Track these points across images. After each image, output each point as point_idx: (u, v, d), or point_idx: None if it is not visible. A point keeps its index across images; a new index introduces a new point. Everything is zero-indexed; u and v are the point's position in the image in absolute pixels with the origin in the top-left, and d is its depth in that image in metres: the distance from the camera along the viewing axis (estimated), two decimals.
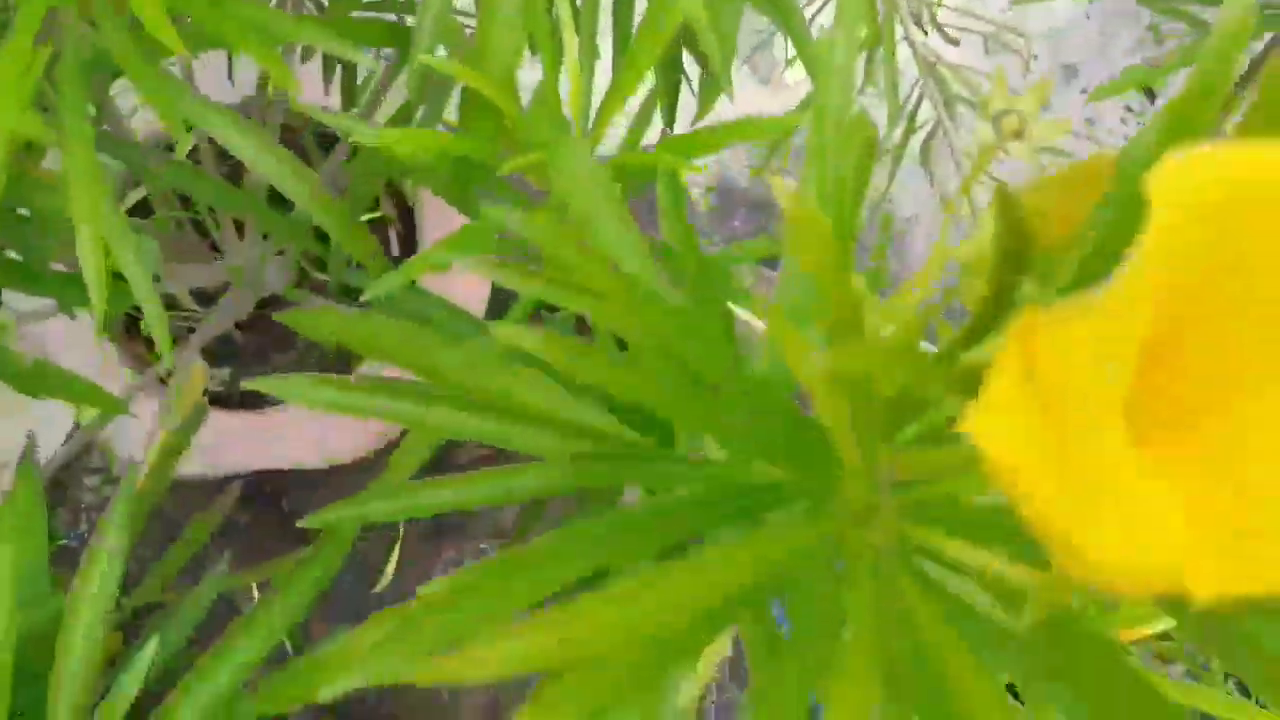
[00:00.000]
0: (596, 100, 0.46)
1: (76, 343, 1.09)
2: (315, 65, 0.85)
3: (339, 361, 1.20)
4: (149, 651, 0.43)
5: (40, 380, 0.66)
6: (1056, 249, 0.18)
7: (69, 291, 0.54)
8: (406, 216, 1.22)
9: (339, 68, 0.82)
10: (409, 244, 1.17)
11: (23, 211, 0.55)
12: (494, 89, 0.40)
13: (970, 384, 0.19)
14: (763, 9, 0.53)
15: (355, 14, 0.52)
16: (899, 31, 1.09)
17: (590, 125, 0.44)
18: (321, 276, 1.19)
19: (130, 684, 0.44)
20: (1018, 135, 0.20)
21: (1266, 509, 0.15)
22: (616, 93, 0.43)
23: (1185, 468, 0.16)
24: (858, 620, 0.19)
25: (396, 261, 1.18)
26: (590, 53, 0.43)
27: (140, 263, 0.41)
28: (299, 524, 0.40)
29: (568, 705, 0.18)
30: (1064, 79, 1.72)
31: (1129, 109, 1.69)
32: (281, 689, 0.36)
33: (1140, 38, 1.72)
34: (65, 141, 0.35)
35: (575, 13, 0.44)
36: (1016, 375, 0.16)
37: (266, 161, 0.42)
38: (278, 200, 0.73)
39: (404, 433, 1.17)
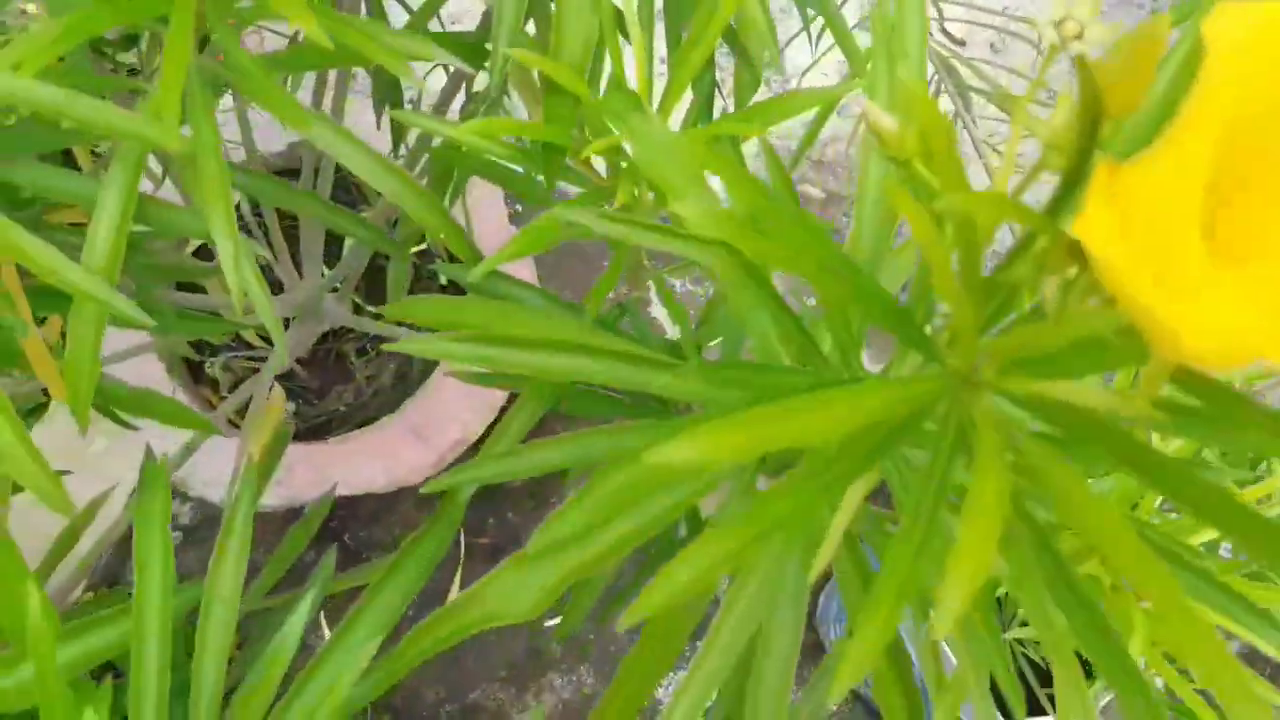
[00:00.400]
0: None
1: (141, 383, 1.14)
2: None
3: (395, 391, 1.24)
4: (297, 626, 0.47)
5: (142, 404, 0.70)
6: (1129, 110, 0.21)
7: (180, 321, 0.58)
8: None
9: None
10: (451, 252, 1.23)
11: None
12: (570, 77, 0.44)
13: (1064, 243, 0.22)
14: (810, 5, 0.57)
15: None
16: None
17: (656, 111, 0.47)
18: (375, 309, 1.24)
19: (273, 669, 0.47)
20: (1079, 37, 0.23)
21: None
22: (678, 78, 0.47)
23: (1255, 265, 0.19)
24: (983, 455, 0.22)
25: (458, 291, 1.22)
26: (650, 44, 0.47)
27: (261, 281, 0.45)
28: (423, 490, 0.44)
29: (786, 497, 0.21)
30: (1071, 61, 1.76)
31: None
32: (424, 634, 0.40)
33: (1139, 20, 1.75)
34: (201, 160, 0.39)
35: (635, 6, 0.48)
36: (1107, 205, 0.19)
37: (362, 164, 0.46)
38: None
39: (461, 455, 1.21)
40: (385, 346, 0.42)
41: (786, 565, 0.31)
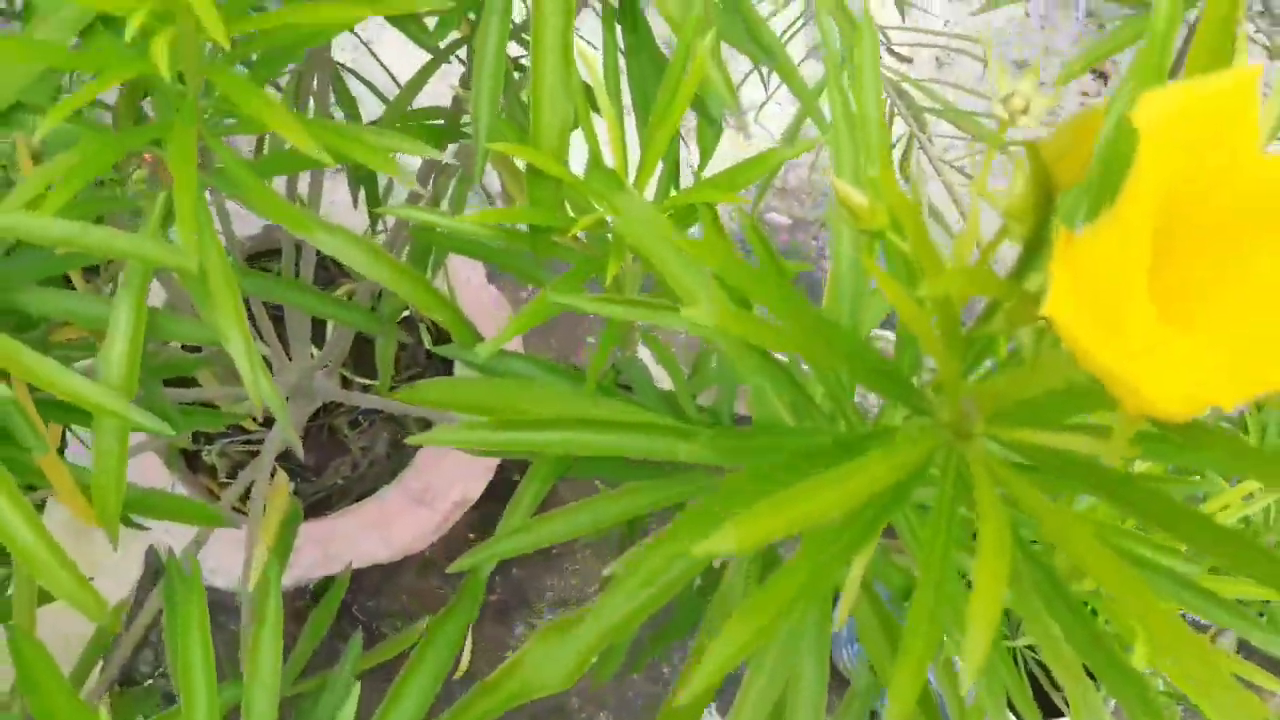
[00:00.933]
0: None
1: (143, 480, 1.14)
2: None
3: (391, 460, 1.26)
4: (349, 715, 0.48)
5: (152, 505, 0.71)
6: (1072, 183, 0.24)
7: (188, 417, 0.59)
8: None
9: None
10: (439, 331, 1.25)
11: None
12: (551, 163, 0.47)
13: (1031, 301, 0.25)
14: (748, 52, 0.60)
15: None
16: None
17: (632, 183, 0.50)
18: (363, 380, 1.26)
19: None
20: (1024, 111, 0.26)
21: (1260, 334, 0.21)
22: (650, 154, 0.50)
23: (1201, 324, 0.22)
24: (984, 503, 0.24)
25: (443, 362, 1.25)
26: (623, 119, 0.50)
27: (268, 375, 0.47)
28: (450, 569, 0.46)
29: (804, 565, 0.23)
30: (1016, 74, 1.80)
31: (1084, 94, 1.77)
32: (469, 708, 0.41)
33: (1078, 30, 1.81)
34: (211, 276, 0.41)
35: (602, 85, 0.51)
36: (1067, 275, 0.21)
37: (350, 254, 0.48)
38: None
39: (462, 517, 1.22)
40: (410, 440, 0.44)
41: (807, 620, 0.33)
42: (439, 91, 0.80)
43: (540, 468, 0.52)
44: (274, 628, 0.52)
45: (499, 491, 1.28)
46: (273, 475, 0.88)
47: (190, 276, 0.48)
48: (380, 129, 0.47)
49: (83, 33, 0.44)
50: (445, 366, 1.26)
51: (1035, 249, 0.24)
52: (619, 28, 0.58)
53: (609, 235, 0.51)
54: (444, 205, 0.88)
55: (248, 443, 1.22)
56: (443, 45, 0.63)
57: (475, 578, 0.50)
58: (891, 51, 1.45)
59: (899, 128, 1.26)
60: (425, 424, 1.26)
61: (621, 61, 0.55)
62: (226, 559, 1.11)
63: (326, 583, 1.21)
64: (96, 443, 0.46)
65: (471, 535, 1.46)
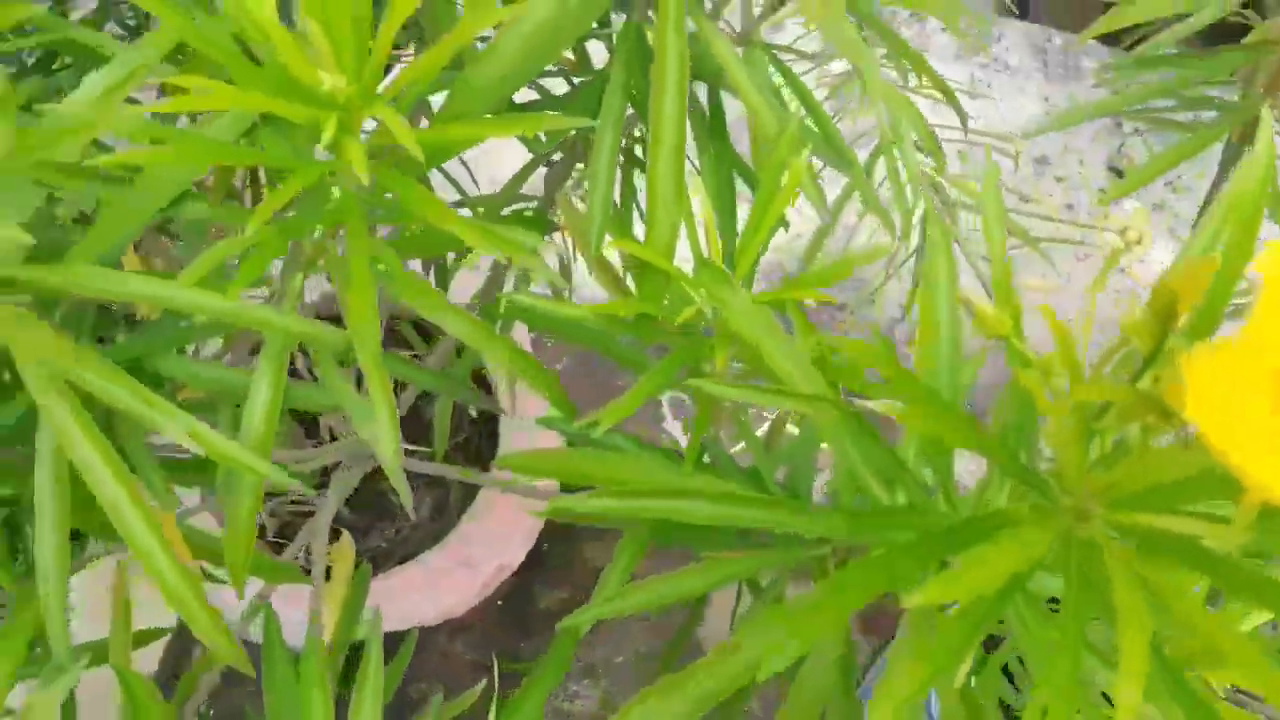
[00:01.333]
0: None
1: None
2: None
3: (434, 524, 1.29)
4: None
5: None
6: (1188, 309, 0.28)
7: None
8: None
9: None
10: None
11: None
12: (662, 260, 0.52)
13: (1150, 402, 0.29)
14: (827, 160, 0.65)
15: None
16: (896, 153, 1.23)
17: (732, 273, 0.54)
18: (408, 445, 1.29)
19: None
20: (1138, 242, 0.30)
21: None
22: (747, 255, 0.54)
23: None
24: (1121, 585, 0.28)
25: (485, 424, 1.28)
26: (726, 222, 0.55)
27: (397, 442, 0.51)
28: (560, 625, 0.49)
29: (957, 633, 0.27)
30: (1037, 170, 1.87)
31: (1101, 190, 1.84)
32: None
33: (1098, 126, 1.88)
34: (362, 354, 0.46)
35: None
36: (1203, 383, 0.26)
37: (474, 336, 0.52)
38: None
39: (503, 585, 1.24)
40: (549, 509, 0.48)
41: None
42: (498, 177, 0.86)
43: (630, 538, 0.56)
44: (374, 690, 0.55)
45: (528, 560, 1.31)
46: (336, 535, 0.91)
47: (325, 347, 0.52)
48: (507, 223, 0.51)
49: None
50: (490, 432, 1.30)
51: (1151, 361, 0.29)
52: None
53: (704, 325, 0.56)
54: (509, 285, 0.93)
55: (296, 503, 1.25)
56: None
57: (566, 639, 0.53)
58: (918, 148, 1.52)
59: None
60: (469, 490, 1.30)
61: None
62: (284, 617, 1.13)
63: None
64: (231, 499, 0.50)
65: (500, 602, 1.48)
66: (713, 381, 0.42)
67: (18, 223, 0.47)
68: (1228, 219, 0.33)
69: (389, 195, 0.47)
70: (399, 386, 1.30)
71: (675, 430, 1.50)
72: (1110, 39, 1.96)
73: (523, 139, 0.63)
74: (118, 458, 0.47)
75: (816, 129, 0.65)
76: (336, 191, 0.48)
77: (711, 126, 0.64)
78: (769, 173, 0.54)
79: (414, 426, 1.31)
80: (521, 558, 1.23)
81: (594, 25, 0.56)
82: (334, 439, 1.29)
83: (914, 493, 0.41)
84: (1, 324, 0.41)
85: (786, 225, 0.68)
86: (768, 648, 0.36)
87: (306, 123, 0.42)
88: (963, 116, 0.79)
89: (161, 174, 0.47)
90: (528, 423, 1.26)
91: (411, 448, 1.31)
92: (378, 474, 1.30)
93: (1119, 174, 1.90)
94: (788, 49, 0.70)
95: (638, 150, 0.69)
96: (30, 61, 0.70)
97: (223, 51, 0.42)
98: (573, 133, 0.68)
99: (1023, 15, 2.01)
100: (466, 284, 1.03)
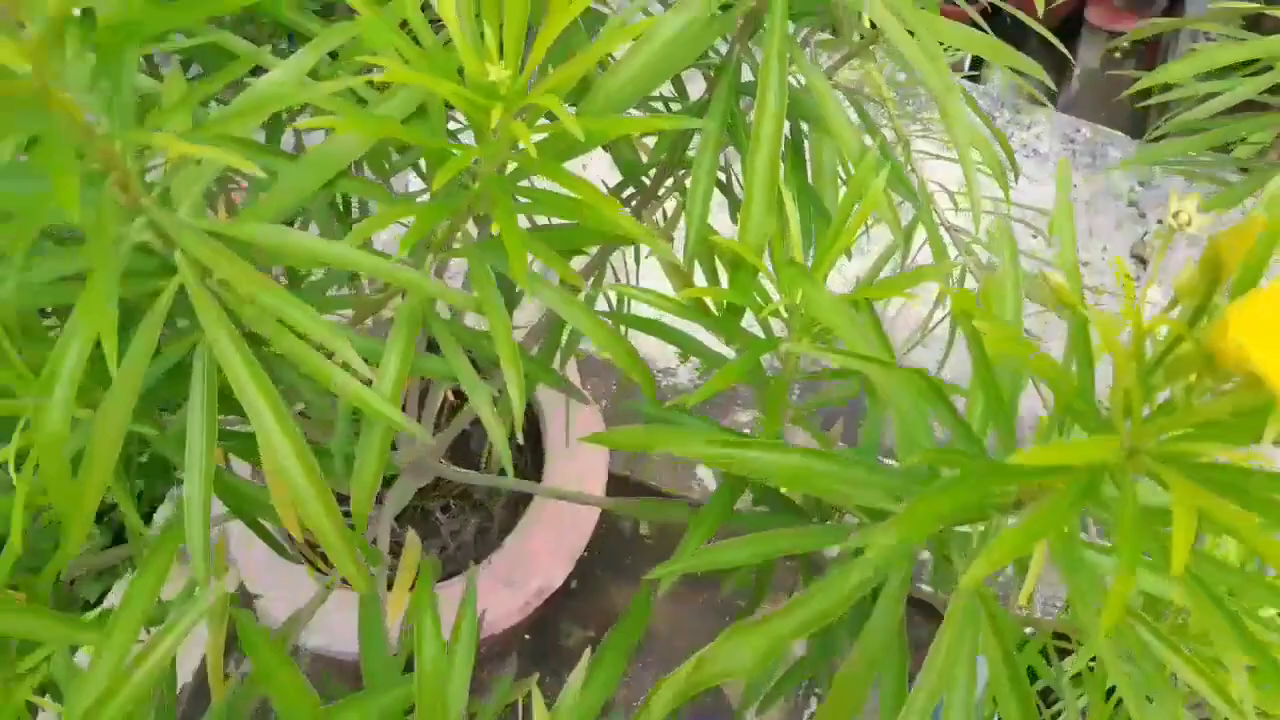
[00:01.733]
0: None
1: (246, 544, 1.22)
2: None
3: (477, 545, 1.34)
4: None
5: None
6: (1230, 272, 0.34)
7: None
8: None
9: None
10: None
11: None
12: (754, 257, 0.58)
13: (1198, 353, 0.35)
14: (908, 197, 0.72)
15: None
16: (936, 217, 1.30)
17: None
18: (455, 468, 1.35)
19: None
20: (1188, 224, 0.37)
21: None
22: (826, 260, 0.61)
23: None
24: (1179, 503, 0.33)
25: (534, 452, 1.34)
26: (807, 227, 0.62)
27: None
28: (645, 577, 0.54)
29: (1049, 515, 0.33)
30: (1054, 248, 1.94)
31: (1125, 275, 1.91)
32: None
33: (1123, 214, 1.96)
34: (493, 327, 0.52)
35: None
36: (1246, 317, 0.32)
37: (592, 330, 0.59)
38: None
39: (545, 601, 1.29)
40: (707, 462, 0.54)
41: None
42: None
43: (697, 524, 0.62)
44: (466, 649, 0.60)
45: (556, 596, 1.35)
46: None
47: (460, 305, 0.58)
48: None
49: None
50: (537, 462, 1.36)
51: (1199, 317, 0.35)
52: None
53: (782, 318, 0.62)
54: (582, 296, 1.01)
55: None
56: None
57: (646, 591, 0.59)
58: (949, 228, 1.61)
59: (970, 283, 1.39)
60: (513, 511, 1.35)
61: None
62: (331, 621, 1.17)
63: None
64: (365, 440, 0.56)
65: (528, 636, 1.52)
66: (832, 352, 0.49)
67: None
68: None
69: (524, 183, 0.55)
70: (452, 410, 1.37)
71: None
72: (1135, 132, 2.04)
73: (617, 160, 0.70)
74: (266, 378, 0.53)
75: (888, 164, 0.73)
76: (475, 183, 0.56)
77: (792, 160, 0.71)
78: (850, 191, 0.61)
79: (464, 455, 1.37)
80: (560, 581, 1.27)
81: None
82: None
83: (973, 445, 0.47)
84: (221, 261, 0.48)
85: (850, 253, 0.75)
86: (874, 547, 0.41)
87: (469, 108, 0.49)
88: (1005, 189, 0.87)
89: (327, 151, 0.55)
90: (571, 449, 1.32)
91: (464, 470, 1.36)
92: (425, 493, 1.36)
93: (1142, 262, 1.98)
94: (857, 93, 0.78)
95: (719, 176, 0.77)
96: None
97: (400, 42, 0.49)
98: (661, 157, 0.75)
99: (1055, 105, 2.12)
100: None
